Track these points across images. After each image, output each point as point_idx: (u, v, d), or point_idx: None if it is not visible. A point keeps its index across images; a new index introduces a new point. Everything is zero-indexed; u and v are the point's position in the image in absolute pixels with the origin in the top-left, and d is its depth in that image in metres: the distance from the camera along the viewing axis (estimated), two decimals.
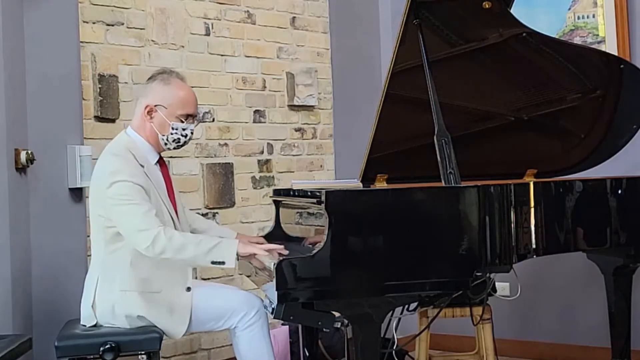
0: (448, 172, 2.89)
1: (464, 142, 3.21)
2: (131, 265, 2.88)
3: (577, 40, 4.09)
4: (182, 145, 3.05)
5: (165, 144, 3.00)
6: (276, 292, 2.61)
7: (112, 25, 3.72)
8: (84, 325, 2.95)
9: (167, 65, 3.88)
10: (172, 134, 2.98)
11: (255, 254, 2.85)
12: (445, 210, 2.80)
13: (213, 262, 2.81)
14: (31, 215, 3.24)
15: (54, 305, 3.28)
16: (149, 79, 3.06)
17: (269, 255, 2.84)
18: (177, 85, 3.00)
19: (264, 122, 4.37)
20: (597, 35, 4.08)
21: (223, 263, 2.81)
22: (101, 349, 2.80)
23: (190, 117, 3.01)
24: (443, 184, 2.89)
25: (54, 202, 3.34)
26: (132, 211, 2.81)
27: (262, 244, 3.04)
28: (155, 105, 2.97)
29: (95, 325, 2.94)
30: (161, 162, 3.08)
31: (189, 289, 2.96)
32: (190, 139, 3.04)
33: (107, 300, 2.90)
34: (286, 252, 2.85)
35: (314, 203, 2.92)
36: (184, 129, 2.99)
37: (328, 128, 4.73)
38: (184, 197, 3.93)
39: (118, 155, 2.91)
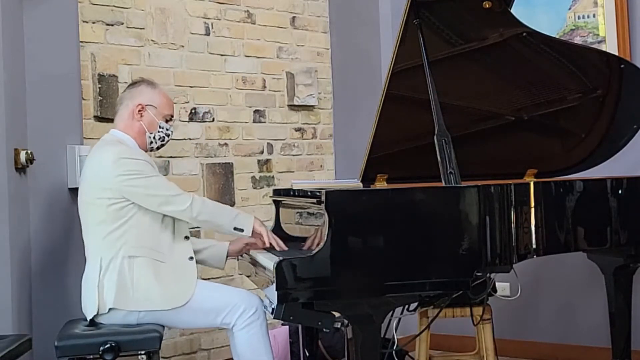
0: (448, 172, 2.89)
1: (464, 142, 3.21)
2: (135, 237, 2.98)
3: (577, 40, 4.08)
4: (164, 145, 3.24)
5: (151, 142, 3.17)
6: (276, 292, 2.61)
7: (112, 25, 3.72)
8: (86, 323, 2.95)
9: (167, 65, 3.92)
10: (159, 132, 3.17)
11: (263, 235, 3.07)
12: (446, 210, 2.80)
13: (235, 228, 3.08)
14: (31, 215, 3.24)
15: (54, 305, 3.28)
16: (133, 84, 3.23)
17: (273, 242, 3.07)
18: (160, 90, 3.23)
19: (264, 122, 4.37)
20: (598, 35, 4.07)
21: (242, 230, 3.08)
22: (101, 348, 2.80)
23: (172, 118, 3.23)
24: (443, 184, 2.89)
25: (54, 202, 3.34)
26: (156, 181, 3.01)
27: None
28: (146, 105, 3.14)
29: (96, 319, 2.94)
30: None
31: (191, 258, 3.08)
32: (170, 139, 3.24)
33: (114, 271, 2.94)
34: (285, 248, 3.06)
35: (314, 203, 2.92)
36: (167, 129, 3.19)
37: (328, 128, 4.73)
38: None
39: (115, 144, 3.06)
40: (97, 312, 2.93)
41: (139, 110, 3.12)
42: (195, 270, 3.06)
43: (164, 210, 3.00)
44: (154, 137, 3.15)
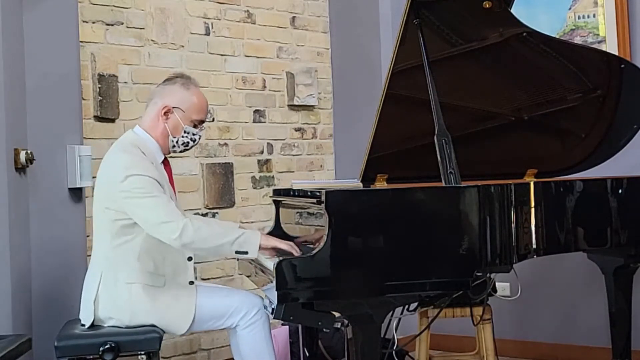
0: (448, 172, 2.88)
1: (465, 142, 3.21)
2: (138, 258, 2.91)
3: (577, 40, 4.08)
4: (187, 149, 3.11)
5: (174, 146, 3.05)
6: (276, 292, 2.61)
7: (112, 25, 3.72)
8: (84, 325, 2.94)
9: (167, 65, 3.91)
10: (183, 136, 3.03)
11: (276, 247, 2.92)
12: (446, 210, 2.80)
13: (237, 252, 2.90)
14: (31, 215, 3.24)
15: (54, 305, 3.28)
16: (167, 80, 3.08)
17: (289, 248, 2.89)
18: (195, 91, 3.07)
19: (264, 122, 4.37)
20: (598, 35, 4.07)
21: (246, 253, 2.89)
22: (101, 349, 2.80)
23: (201, 123, 3.08)
24: (443, 184, 2.89)
25: (54, 202, 3.34)
26: (152, 203, 2.84)
27: None
28: (173, 107, 3.01)
29: (93, 325, 2.93)
30: (165, 162, 3.10)
31: (191, 282, 3.00)
32: (196, 144, 3.11)
33: (111, 294, 2.90)
34: (298, 252, 2.89)
35: (314, 203, 2.92)
36: (194, 134, 3.06)
37: (328, 128, 4.72)
38: (184, 197, 3.94)
39: (128, 152, 2.94)
40: (93, 324, 2.93)
41: (165, 112, 2.99)
42: (195, 294, 2.98)
43: (153, 235, 2.87)
44: (177, 142, 3.02)
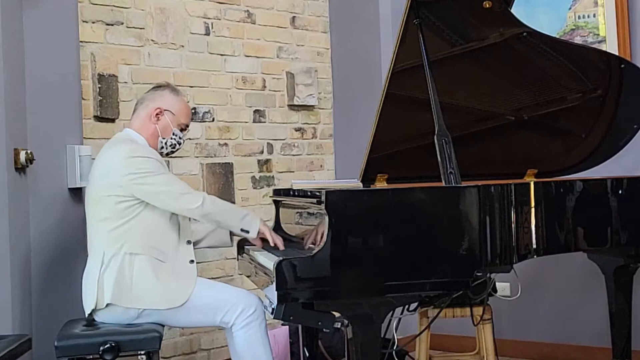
0: (448, 172, 2.88)
1: (465, 141, 3.21)
2: (139, 234, 3.00)
3: (577, 40, 4.08)
4: (174, 152, 3.26)
5: (162, 147, 3.19)
6: (276, 292, 2.61)
7: (112, 25, 3.72)
8: (85, 323, 2.95)
9: (167, 65, 3.91)
10: (172, 138, 3.19)
11: (266, 236, 3.12)
12: (446, 210, 2.80)
13: (242, 229, 3.12)
14: (31, 215, 3.24)
15: (54, 305, 3.28)
16: (157, 87, 3.24)
17: (277, 241, 3.10)
18: (182, 98, 3.27)
19: (264, 122, 4.37)
20: (598, 34, 4.07)
21: (248, 232, 3.12)
22: (101, 348, 2.80)
23: (186, 127, 3.26)
24: (443, 184, 2.89)
25: (54, 202, 3.34)
26: (166, 179, 3.03)
27: None
28: (165, 110, 3.16)
29: (95, 322, 2.95)
30: None
31: (192, 261, 3.09)
32: (180, 148, 3.28)
33: (114, 266, 2.95)
34: (282, 248, 3.09)
35: (314, 203, 2.92)
36: (180, 137, 3.22)
37: (328, 128, 4.72)
38: None
39: (126, 142, 3.08)
40: (95, 307, 2.95)
41: (157, 114, 3.14)
42: (195, 272, 3.07)
43: (174, 208, 3.02)
44: (165, 143, 3.17)
